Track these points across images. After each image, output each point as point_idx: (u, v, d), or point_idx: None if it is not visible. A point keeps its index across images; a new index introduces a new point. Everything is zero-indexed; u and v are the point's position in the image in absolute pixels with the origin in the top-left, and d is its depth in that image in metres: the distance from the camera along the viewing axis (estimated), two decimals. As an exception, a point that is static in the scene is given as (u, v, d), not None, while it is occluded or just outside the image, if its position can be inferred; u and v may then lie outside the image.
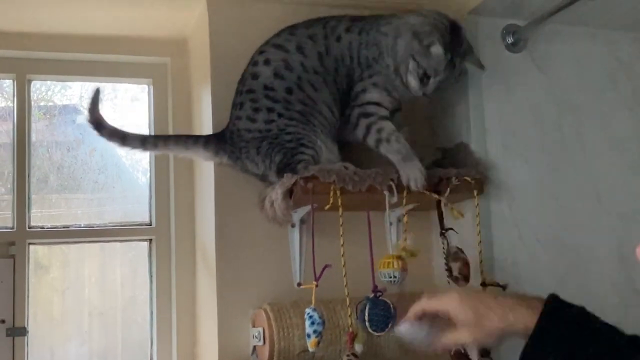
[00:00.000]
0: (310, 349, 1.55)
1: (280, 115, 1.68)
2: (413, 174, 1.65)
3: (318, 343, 1.54)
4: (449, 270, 1.69)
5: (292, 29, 1.76)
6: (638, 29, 2.00)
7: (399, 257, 1.61)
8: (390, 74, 1.71)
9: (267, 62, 1.71)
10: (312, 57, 1.71)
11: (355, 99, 1.73)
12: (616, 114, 1.96)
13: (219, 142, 1.76)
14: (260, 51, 1.74)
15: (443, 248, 1.71)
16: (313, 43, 1.73)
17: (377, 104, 1.72)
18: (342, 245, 1.56)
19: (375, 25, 1.73)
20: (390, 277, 1.59)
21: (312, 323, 1.54)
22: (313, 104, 1.70)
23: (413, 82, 1.68)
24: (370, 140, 1.71)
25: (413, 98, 1.75)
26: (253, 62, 1.74)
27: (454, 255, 1.69)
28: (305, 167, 1.64)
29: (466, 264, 1.68)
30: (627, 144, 1.96)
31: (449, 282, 1.70)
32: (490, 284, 1.64)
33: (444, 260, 1.71)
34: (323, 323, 1.55)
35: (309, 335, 1.54)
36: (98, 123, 1.76)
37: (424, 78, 1.66)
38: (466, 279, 1.67)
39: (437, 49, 1.63)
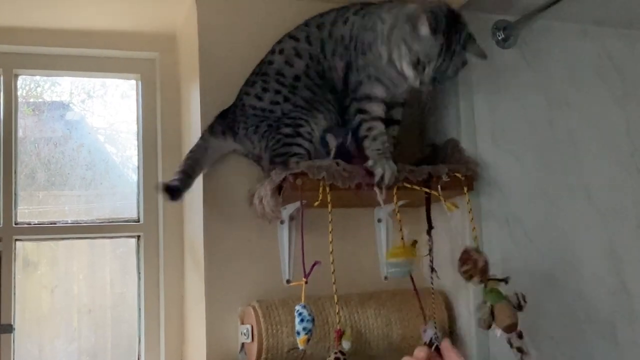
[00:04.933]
0: (300, 347, 1.53)
1: (286, 99, 1.71)
2: (387, 170, 1.64)
3: (308, 340, 1.51)
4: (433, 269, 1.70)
5: (308, 20, 1.79)
6: (628, 26, 2.00)
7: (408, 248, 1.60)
8: (383, 65, 1.68)
9: (281, 51, 1.77)
10: (316, 46, 1.74)
11: (354, 91, 1.73)
12: (606, 110, 1.96)
13: (222, 121, 1.78)
14: (279, 41, 1.80)
15: (429, 247, 1.70)
16: (318, 31, 1.75)
17: (373, 98, 1.71)
18: (330, 242, 1.55)
19: (378, 9, 1.72)
20: (399, 267, 1.57)
21: (302, 320, 1.51)
22: (319, 92, 1.73)
23: (407, 69, 1.63)
24: (360, 133, 1.71)
25: (413, 91, 1.71)
26: (271, 51, 1.79)
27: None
28: (297, 162, 1.64)
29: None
30: (618, 140, 1.96)
31: (431, 281, 1.70)
32: (491, 279, 1.63)
33: (429, 259, 1.70)
34: (313, 320, 1.52)
35: (298, 333, 1.52)
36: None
37: (417, 65, 1.62)
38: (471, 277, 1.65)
39: (424, 30, 1.57)
